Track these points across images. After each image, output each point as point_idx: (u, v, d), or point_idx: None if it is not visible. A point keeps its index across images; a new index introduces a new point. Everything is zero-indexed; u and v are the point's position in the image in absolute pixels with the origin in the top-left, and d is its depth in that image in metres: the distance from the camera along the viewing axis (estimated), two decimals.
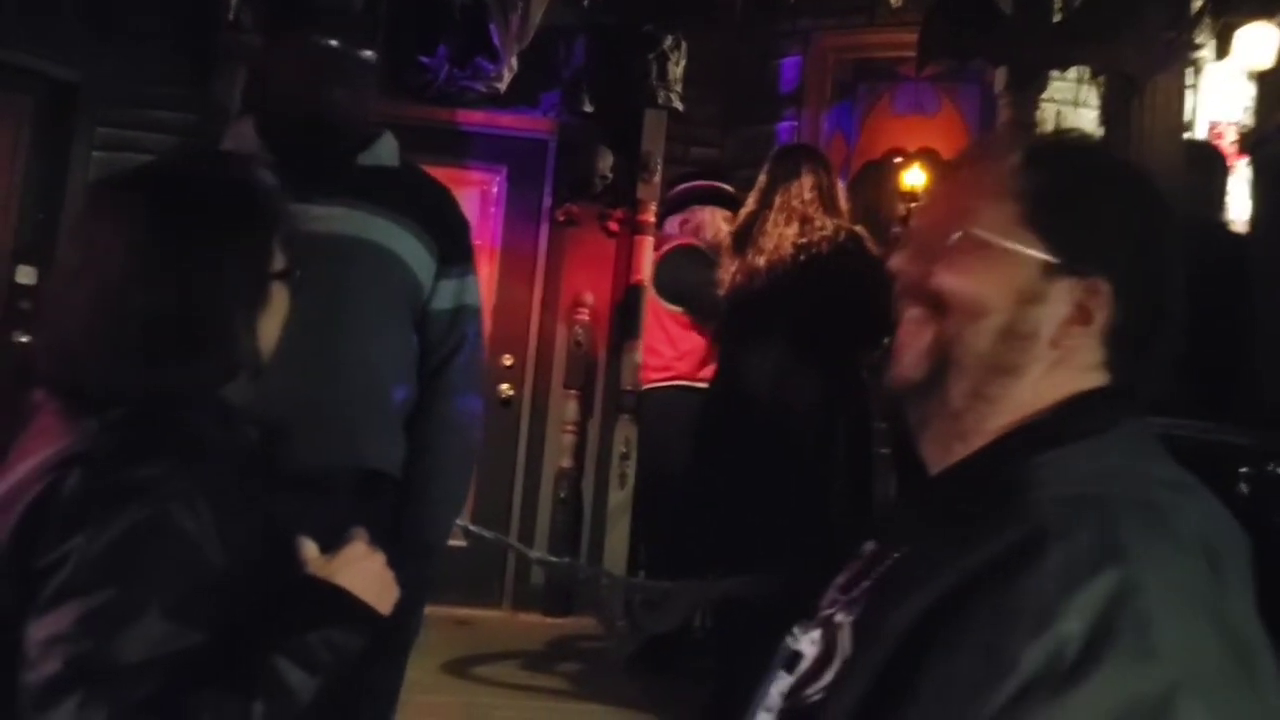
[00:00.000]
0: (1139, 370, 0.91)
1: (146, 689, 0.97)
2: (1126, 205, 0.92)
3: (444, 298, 1.89)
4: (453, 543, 4.17)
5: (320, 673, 1.06)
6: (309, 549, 1.14)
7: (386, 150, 1.92)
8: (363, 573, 1.14)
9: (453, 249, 1.91)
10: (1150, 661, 0.74)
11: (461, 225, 2.00)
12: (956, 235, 0.93)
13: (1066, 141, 1.07)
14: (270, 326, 1.21)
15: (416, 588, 1.85)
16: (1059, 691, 0.73)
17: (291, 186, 1.73)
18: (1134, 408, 0.90)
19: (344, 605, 1.11)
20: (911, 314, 0.95)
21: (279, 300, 1.22)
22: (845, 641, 0.90)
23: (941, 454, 0.93)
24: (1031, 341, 0.90)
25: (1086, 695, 0.73)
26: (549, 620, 4.53)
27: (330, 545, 1.15)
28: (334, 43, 1.86)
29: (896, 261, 0.97)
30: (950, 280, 0.92)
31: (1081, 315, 0.89)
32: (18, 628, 1.00)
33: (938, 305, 0.93)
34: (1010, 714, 0.74)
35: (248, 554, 1.08)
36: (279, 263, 1.21)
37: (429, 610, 1.95)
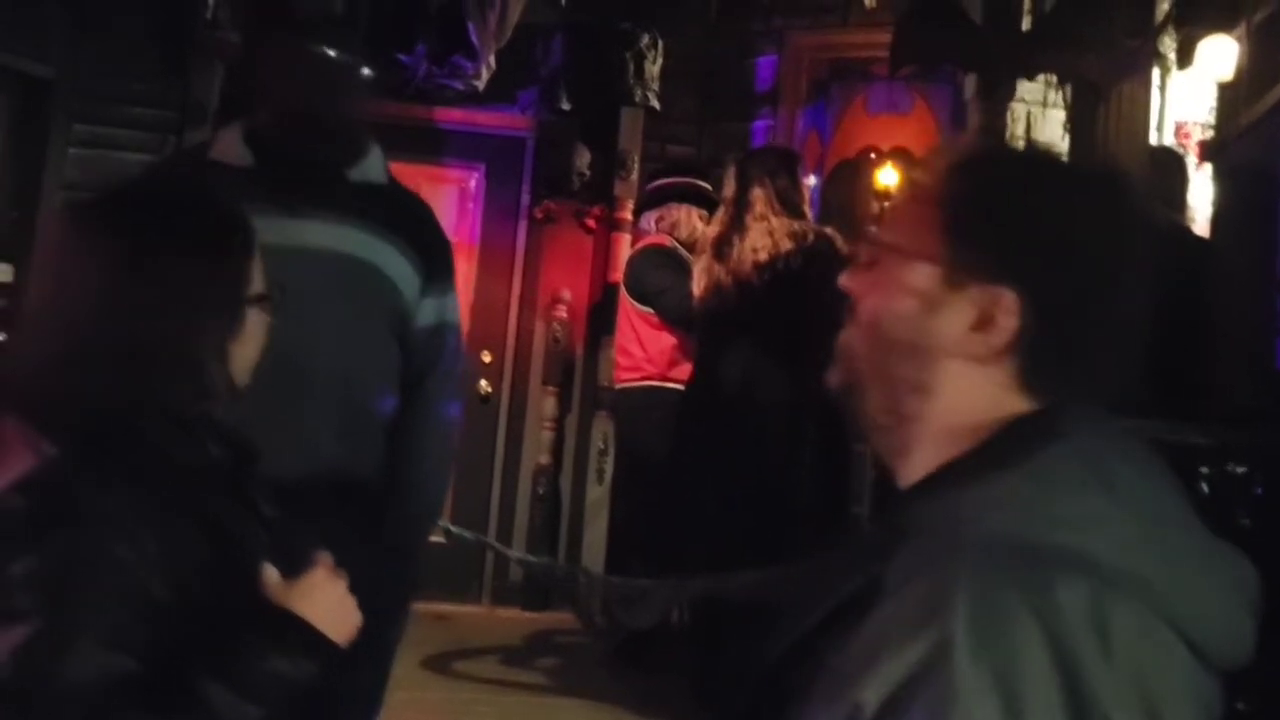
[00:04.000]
0: (1065, 386, 0.84)
1: (69, 716, 0.97)
2: (1048, 213, 0.85)
3: (427, 315, 1.90)
4: (432, 539, 4.22)
5: (263, 702, 1.04)
6: (269, 574, 1.12)
7: (375, 166, 1.91)
8: (321, 600, 1.12)
9: (437, 268, 1.92)
10: None
11: (444, 244, 2.01)
12: (870, 245, 0.89)
13: (1003, 149, 1.02)
14: (245, 352, 1.18)
15: (399, 591, 1.88)
16: None
17: (277, 198, 1.75)
18: (1061, 431, 0.81)
19: (296, 633, 1.09)
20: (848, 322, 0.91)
21: (255, 326, 1.19)
22: None
23: (891, 466, 0.88)
24: (932, 356, 0.84)
25: None
26: (527, 615, 4.57)
27: (307, 559, 1.14)
28: (331, 53, 1.83)
29: (846, 280, 0.92)
30: (855, 291, 0.88)
31: (983, 323, 0.83)
32: None
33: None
34: None
35: (197, 582, 1.06)
36: (255, 287, 1.18)
37: None
